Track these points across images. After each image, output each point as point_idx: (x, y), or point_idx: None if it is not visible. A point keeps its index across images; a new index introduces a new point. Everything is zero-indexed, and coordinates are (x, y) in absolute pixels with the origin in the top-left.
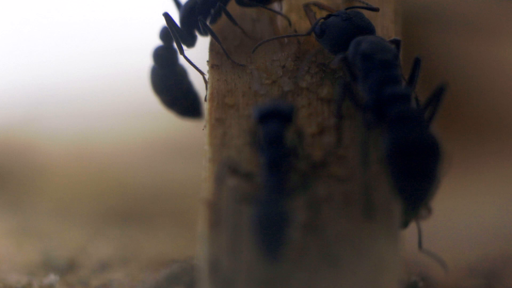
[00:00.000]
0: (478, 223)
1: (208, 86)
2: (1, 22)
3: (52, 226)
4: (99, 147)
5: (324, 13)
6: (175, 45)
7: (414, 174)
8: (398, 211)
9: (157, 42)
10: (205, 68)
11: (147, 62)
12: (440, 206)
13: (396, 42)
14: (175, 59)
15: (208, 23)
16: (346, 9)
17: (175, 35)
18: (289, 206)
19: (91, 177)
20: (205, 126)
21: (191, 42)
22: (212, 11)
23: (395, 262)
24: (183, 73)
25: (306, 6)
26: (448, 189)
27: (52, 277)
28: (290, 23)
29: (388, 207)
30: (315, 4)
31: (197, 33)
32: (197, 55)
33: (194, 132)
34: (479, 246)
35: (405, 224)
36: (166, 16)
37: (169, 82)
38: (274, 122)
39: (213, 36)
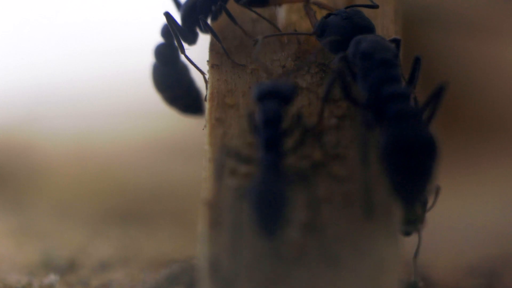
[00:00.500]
0: (478, 223)
1: (208, 86)
2: (1, 22)
3: (52, 226)
4: (99, 147)
5: (324, 12)
6: (176, 43)
7: (410, 172)
8: (398, 211)
9: (158, 40)
10: (205, 67)
11: (147, 62)
12: (440, 206)
13: (396, 41)
14: (177, 56)
15: (209, 21)
16: (346, 7)
17: (175, 34)
18: (285, 185)
19: (91, 177)
20: (205, 126)
21: (192, 40)
22: (213, 8)
23: (395, 262)
24: (184, 70)
25: (306, 5)
26: (449, 189)
27: (52, 277)
28: (279, 29)
29: (388, 207)
30: (315, 3)
31: (198, 31)
32: (198, 55)
33: (194, 132)
34: (479, 246)
35: (406, 234)
36: (167, 15)
37: (171, 79)
38: (273, 101)
39: (214, 35)
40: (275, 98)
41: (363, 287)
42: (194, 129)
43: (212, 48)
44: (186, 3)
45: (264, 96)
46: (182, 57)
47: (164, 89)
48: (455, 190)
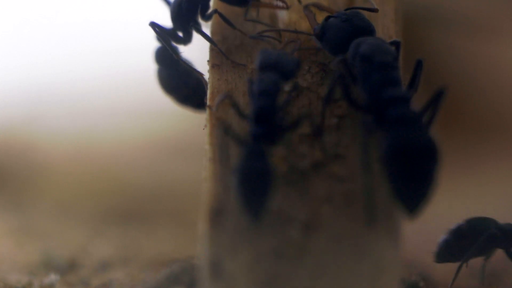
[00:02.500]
0: None
1: (209, 85)
2: (1, 22)
3: (52, 225)
4: (99, 146)
5: (324, 14)
6: (174, 44)
7: (412, 176)
8: (399, 211)
9: (156, 44)
10: (206, 67)
11: (147, 62)
12: (441, 206)
13: (396, 44)
14: (177, 56)
15: (201, 18)
16: (346, 9)
17: (166, 42)
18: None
19: (92, 177)
20: (205, 126)
21: (187, 39)
22: (200, 7)
23: (396, 262)
24: (188, 68)
25: (306, 7)
26: (449, 189)
27: (52, 277)
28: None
29: (389, 207)
30: (315, 5)
31: (191, 29)
32: (198, 55)
33: (195, 132)
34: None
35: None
36: (153, 25)
37: (177, 80)
38: (271, 75)
39: (208, 39)
40: (276, 71)
41: (363, 287)
42: (194, 129)
43: (213, 48)
44: (173, 3)
45: (265, 67)
46: (184, 55)
47: (173, 91)
48: (455, 190)
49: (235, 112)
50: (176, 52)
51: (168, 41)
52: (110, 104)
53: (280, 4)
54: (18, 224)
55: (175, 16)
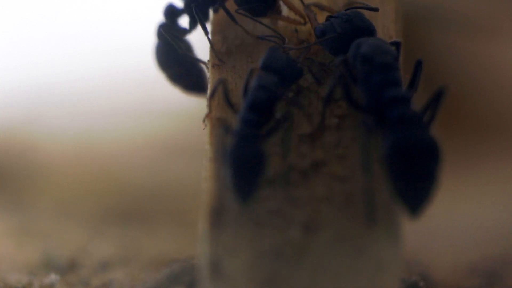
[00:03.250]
0: (479, 223)
1: (209, 85)
2: (1, 22)
3: (52, 225)
4: (99, 146)
5: (325, 14)
6: (178, 22)
7: (414, 177)
8: (400, 211)
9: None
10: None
11: (147, 62)
12: (441, 206)
13: (396, 44)
14: (180, 35)
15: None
16: (346, 9)
17: (174, 40)
18: (263, 145)
19: (92, 177)
20: (205, 126)
21: (206, 17)
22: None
23: (396, 262)
24: (188, 47)
25: (307, 7)
26: (449, 189)
27: (52, 277)
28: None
29: (389, 207)
30: (316, 5)
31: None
32: (198, 55)
33: (195, 131)
34: (480, 245)
35: None
36: (162, 26)
37: (173, 57)
38: (273, 76)
39: (203, 28)
40: (277, 75)
41: (363, 286)
42: (194, 128)
43: (213, 48)
44: None
45: (268, 68)
46: (186, 36)
47: (167, 67)
48: (456, 189)
49: (224, 100)
50: (180, 47)
51: (175, 38)
52: (110, 104)
53: (298, 19)
54: (18, 224)
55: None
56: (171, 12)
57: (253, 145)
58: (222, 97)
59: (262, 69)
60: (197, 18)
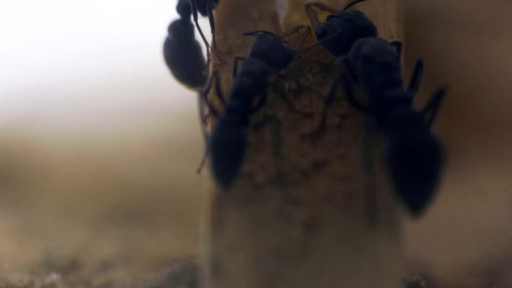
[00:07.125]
0: (480, 223)
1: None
2: (1, 22)
3: (54, 225)
4: (100, 146)
5: (326, 14)
6: (192, 19)
7: (415, 176)
8: (402, 211)
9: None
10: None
11: (148, 62)
12: (442, 206)
13: (397, 44)
14: (192, 33)
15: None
16: (346, 7)
17: (204, 40)
18: (244, 132)
19: (93, 177)
20: (206, 126)
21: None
22: None
23: (397, 261)
24: (198, 48)
25: (308, 7)
26: (450, 189)
27: (54, 276)
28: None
29: (390, 206)
30: (317, 5)
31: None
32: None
33: (196, 131)
34: (481, 245)
35: None
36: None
37: (185, 56)
38: (260, 61)
39: (211, 21)
40: (265, 59)
41: (364, 286)
42: (195, 128)
43: (214, 48)
44: None
45: (256, 54)
46: (196, 35)
47: (177, 66)
48: (456, 189)
49: (215, 91)
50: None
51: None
52: (111, 104)
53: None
54: (19, 223)
55: None
56: (185, 8)
57: (233, 131)
58: (214, 89)
59: (251, 55)
60: (208, 14)
